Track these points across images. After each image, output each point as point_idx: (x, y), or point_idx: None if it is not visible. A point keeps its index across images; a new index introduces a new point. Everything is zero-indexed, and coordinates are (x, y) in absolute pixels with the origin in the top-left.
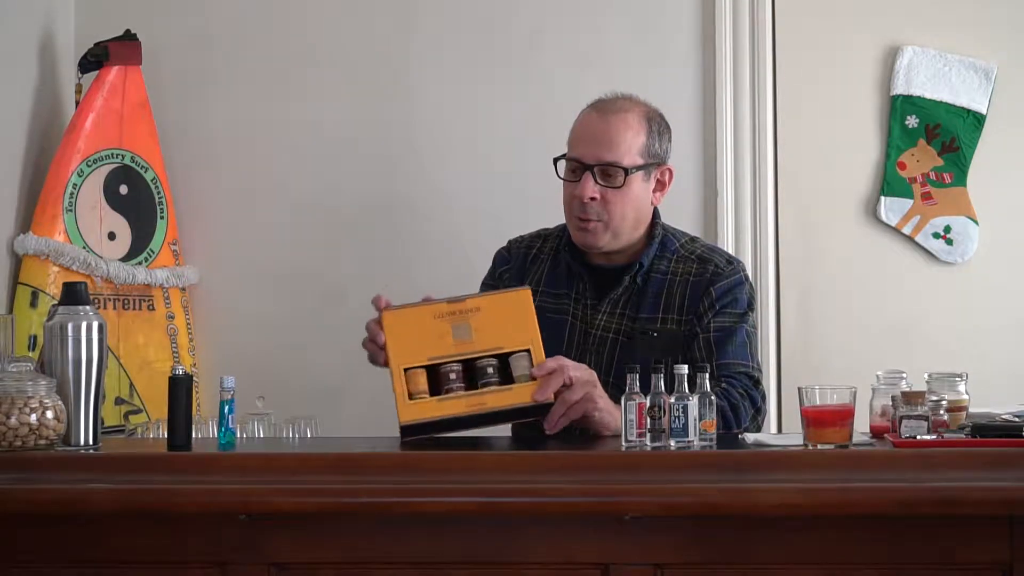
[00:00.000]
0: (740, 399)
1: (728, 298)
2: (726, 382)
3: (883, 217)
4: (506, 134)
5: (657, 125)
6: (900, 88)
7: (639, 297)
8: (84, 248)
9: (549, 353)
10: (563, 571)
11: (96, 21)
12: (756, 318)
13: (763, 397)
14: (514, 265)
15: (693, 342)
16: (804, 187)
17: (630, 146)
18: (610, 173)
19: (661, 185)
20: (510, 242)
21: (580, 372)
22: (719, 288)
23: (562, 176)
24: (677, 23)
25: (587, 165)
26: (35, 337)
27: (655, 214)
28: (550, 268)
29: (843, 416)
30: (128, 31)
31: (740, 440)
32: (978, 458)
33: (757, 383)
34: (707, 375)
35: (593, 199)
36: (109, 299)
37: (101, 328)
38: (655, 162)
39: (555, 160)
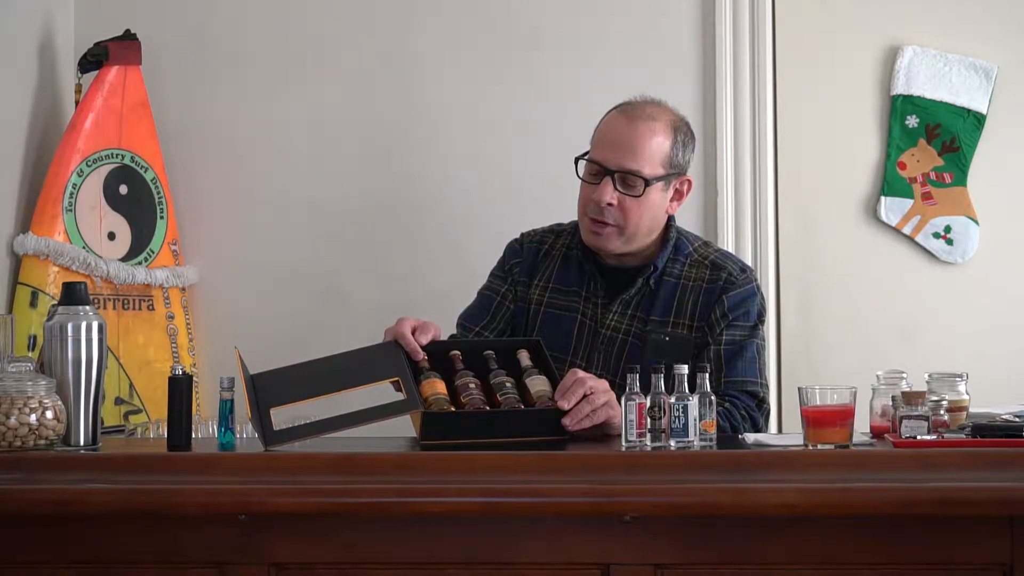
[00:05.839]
0: (741, 420)
1: (740, 310)
2: (730, 401)
3: (883, 217)
4: (506, 134)
5: (683, 135)
6: (900, 88)
7: (651, 300)
8: (84, 248)
9: (557, 350)
10: (563, 571)
11: (96, 21)
12: (766, 329)
13: (766, 416)
14: (525, 259)
15: (703, 351)
16: (804, 187)
17: (653, 155)
18: (630, 183)
19: (679, 195)
20: (523, 235)
21: (598, 383)
22: (732, 298)
23: (581, 176)
24: (677, 23)
25: (609, 170)
26: (35, 337)
27: (669, 217)
28: (561, 265)
29: (843, 416)
30: (128, 31)
31: (740, 440)
32: (978, 458)
33: (762, 403)
34: (707, 375)
35: (611, 205)
36: (109, 299)
37: (101, 328)
38: (675, 172)
39: (576, 159)
